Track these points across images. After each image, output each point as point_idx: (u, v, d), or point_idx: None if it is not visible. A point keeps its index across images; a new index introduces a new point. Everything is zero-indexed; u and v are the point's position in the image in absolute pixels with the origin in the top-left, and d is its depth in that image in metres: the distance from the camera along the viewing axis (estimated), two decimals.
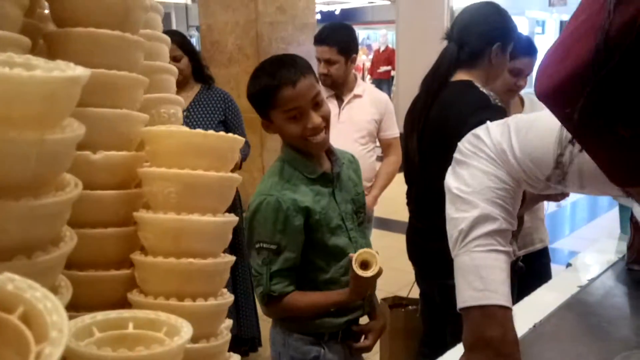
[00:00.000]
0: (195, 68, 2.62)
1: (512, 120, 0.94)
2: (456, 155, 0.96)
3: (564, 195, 1.57)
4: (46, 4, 1.01)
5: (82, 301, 0.85)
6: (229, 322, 0.99)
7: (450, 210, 0.94)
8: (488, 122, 0.96)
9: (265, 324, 1.60)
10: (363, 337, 1.52)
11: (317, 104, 1.36)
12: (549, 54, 0.50)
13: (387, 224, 4.29)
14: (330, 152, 1.49)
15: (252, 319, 2.72)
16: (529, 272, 2.01)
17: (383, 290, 2.06)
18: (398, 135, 2.63)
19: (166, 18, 14.79)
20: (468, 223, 0.90)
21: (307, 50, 3.17)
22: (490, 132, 0.93)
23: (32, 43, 0.89)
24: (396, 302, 2.42)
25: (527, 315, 1.27)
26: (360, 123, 2.58)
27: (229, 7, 3.74)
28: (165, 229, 0.89)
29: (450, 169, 0.97)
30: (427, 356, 1.98)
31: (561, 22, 12.50)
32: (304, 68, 1.35)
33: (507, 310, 0.88)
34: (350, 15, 15.31)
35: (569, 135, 0.53)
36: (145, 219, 0.91)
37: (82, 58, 0.79)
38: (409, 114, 1.92)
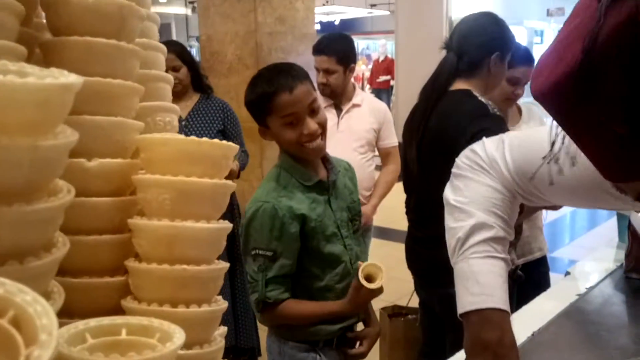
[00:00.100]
0: (194, 78, 2.64)
1: (507, 136, 0.99)
2: (454, 169, 1.00)
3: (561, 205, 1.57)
4: (43, 13, 1.02)
5: (76, 308, 0.85)
6: (223, 330, 0.99)
7: (449, 221, 0.97)
8: (484, 137, 1.00)
9: (265, 333, 1.60)
10: (358, 343, 1.53)
11: (313, 111, 1.37)
12: (545, 56, 0.52)
13: (386, 233, 4.29)
14: (326, 160, 1.49)
15: (251, 328, 2.70)
16: (528, 281, 2.01)
17: (382, 300, 2.05)
18: (397, 144, 2.64)
19: (166, 28, 14.91)
20: (465, 231, 0.92)
21: (306, 60, 3.18)
22: (486, 147, 0.97)
23: (29, 52, 0.89)
24: (396, 312, 2.42)
25: (526, 323, 1.27)
26: (359, 132, 2.59)
27: (229, 17, 3.75)
28: (159, 235, 0.89)
29: (448, 183, 1.01)
30: None
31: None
32: (300, 75, 1.37)
33: (504, 313, 0.89)
34: (349, 25, 15.37)
35: (557, 150, 0.55)
36: (139, 226, 0.91)
37: (78, 66, 0.80)
38: (407, 123, 1.92)
